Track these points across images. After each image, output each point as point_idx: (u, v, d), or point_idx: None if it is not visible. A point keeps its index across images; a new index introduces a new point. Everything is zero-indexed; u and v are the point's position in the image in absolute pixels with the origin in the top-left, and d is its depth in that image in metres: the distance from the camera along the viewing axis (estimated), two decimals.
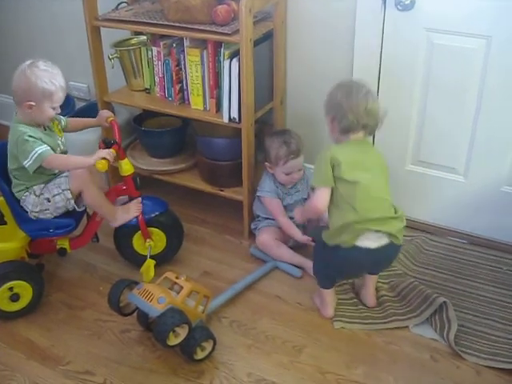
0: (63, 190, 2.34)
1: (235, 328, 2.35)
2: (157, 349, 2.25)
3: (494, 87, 2.43)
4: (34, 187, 2.34)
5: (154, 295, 2.10)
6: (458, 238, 2.76)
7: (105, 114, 2.54)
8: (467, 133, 2.55)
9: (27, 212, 2.36)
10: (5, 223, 2.45)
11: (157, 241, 2.58)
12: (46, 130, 2.33)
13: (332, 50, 2.69)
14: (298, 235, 2.59)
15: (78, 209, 2.39)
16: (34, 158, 2.20)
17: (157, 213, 2.54)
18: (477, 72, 2.43)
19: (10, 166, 2.32)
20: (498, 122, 2.48)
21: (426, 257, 2.66)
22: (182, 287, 2.17)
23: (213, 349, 2.20)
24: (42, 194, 2.34)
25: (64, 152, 2.40)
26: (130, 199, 2.50)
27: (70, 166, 2.34)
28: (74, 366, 2.21)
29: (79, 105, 3.34)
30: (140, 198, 2.50)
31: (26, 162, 2.21)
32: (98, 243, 2.58)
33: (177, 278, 2.20)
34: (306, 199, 2.69)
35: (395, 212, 2.17)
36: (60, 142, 2.39)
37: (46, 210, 2.35)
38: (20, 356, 2.25)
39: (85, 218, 2.53)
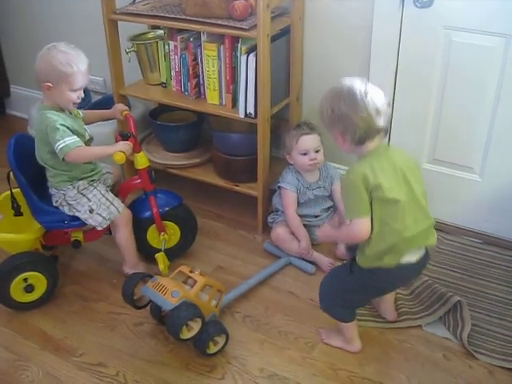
0: (108, 219, 2.38)
1: (248, 323, 2.35)
2: (169, 342, 2.26)
3: None
4: (79, 182, 2.35)
5: (168, 289, 2.10)
6: (472, 237, 2.74)
7: (120, 107, 2.55)
8: (484, 132, 2.54)
9: (48, 203, 2.37)
10: (21, 214, 2.46)
11: (171, 234, 2.59)
12: (71, 113, 2.33)
13: (349, 47, 2.68)
14: (303, 236, 2.59)
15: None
16: (60, 146, 2.19)
17: (171, 206, 2.55)
18: (495, 70, 2.41)
19: (44, 154, 2.30)
20: None
21: (441, 256, 2.64)
22: (195, 281, 2.17)
23: (225, 343, 2.21)
24: (85, 195, 2.36)
25: (91, 138, 2.40)
26: (145, 193, 2.51)
27: (90, 158, 2.36)
28: (87, 358, 2.22)
29: (95, 98, 3.35)
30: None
31: (55, 147, 2.21)
32: (111, 236, 2.57)
33: (191, 271, 2.21)
34: (328, 196, 2.69)
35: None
36: (86, 127, 2.40)
37: (78, 210, 2.37)
38: (34, 347, 2.27)
39: None
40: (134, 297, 2.25)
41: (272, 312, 2.40)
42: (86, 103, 3.17)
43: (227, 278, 2.53)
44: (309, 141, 2.57)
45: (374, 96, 1.85)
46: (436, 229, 2.68)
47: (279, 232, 2.64)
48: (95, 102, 3.22)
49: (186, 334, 2.08)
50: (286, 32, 2.65)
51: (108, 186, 2.49)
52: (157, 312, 2.29)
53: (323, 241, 2.26)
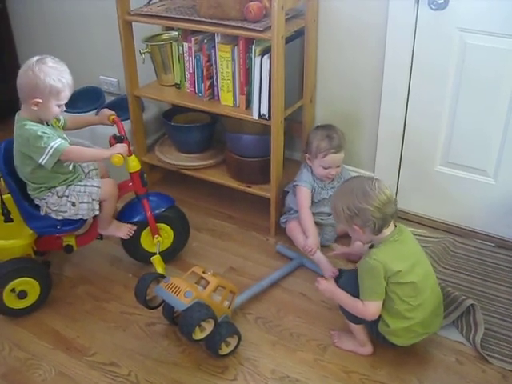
0: (93, 200, 2.35)
1: (260, 324, 2.35)
2: (182, 343, 2.26)
3: None
4: (57, 188, 2.33)
5: (181, 289, 2.10)
6: (486, 240, 2.72)
7: (106, 112, 2.52)
8: (498, 135, 2.52)
9: (39, 209, 2.35)
10: (11, 220, 2.42)
11: (164, 237, 2.58)
12: (48, 125, 2.30)
13: (363, 49, 2.68)
14: (312, 233, 2.56)
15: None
16: (50, 153, 2.18)
17: (164, 208, 2.55)
18: (510, 73, 2.40)
19: (24, 169, 2.28)
20: None
21: (453, 259, 2.63)
22: (208, 282, 2.17)
23: (237, 344, 2.21)
24: (65, 195, 2.33)
25: None
26: (137, 196, 2.51)
27: (86, 157, 2.36)
28: (100, 358, 2.22)
29: (109, 99, 3.36)
30: (134, 226, 2.50)
31: (41, 158, 2.18)
32: (102, 240, 2.59)
33: (204, 272, 2.21)
34: None
35: None
36: (65, 136, 2.36)
37: (63, 211, 2.35)
38: (46, 346, 2.28)
39: None
40: (146, 297, 2.25)
41: (284, 314, 2.40)
42: (99, 104, 3.20)
43: (239, 280, 2.53)
44: (335, 160, 2.58)
45: (382, 186, 2.02)
46: (448, 232, 2.75)
47: (294, 224, 2.64)
48: (109, 103, 3.23)
49: (199, 335, 2.09)
50: (300, 34, 2.65)
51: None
52: (169, 312, 2.29)
53: (323, 294, 2.24)
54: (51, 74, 2.17)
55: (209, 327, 2.10)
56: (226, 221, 2.96)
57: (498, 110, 2.48)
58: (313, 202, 2.65)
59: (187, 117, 3.04)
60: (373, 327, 2.12)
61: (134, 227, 2.51)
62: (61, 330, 2.34)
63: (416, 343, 2.17)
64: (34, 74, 2.16)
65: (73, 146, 2.27)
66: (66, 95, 2.23)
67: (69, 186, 2.36)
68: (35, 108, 2.20)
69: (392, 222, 2.07)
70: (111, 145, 2.38)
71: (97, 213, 2.38)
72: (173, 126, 2.99)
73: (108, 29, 3.11)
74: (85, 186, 2.36)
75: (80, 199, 2.34)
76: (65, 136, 2.36)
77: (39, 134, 2.18)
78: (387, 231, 2.05)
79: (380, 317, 2.08)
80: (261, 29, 2.44)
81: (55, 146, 2.19)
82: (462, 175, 2.68)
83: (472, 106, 2.53)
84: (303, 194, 2.62)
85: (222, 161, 2.98)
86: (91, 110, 3.11)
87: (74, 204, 2.34)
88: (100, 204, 2.38)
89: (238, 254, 2.73)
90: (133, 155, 2.43)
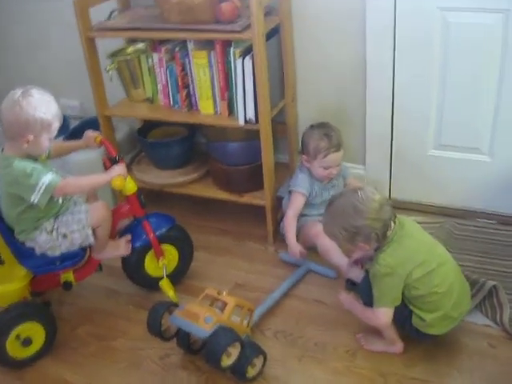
0: (84, 227, 2.18)
1: (281, 339, 2.23)
2: (203, 371, 2.11)
3: None
4: (45, 224, 2.15)
5: (199, 315, 1.97)
6: (486, 219, 2.69)
7: (91, 134, 2.35)
8: (490, 111, 2.49)
9: (33, 249, 2.18)
10: (1, 263, 2.22)
11: (169, 259, 2.43)
12: (37, 160, 2.12)
13: (342, 38, 2.59)
14: (291, 240, 2.47)
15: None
16: (41, 190, 2.00)
17: (165, 229, 2.40)
18: (496, 48, 2.36)
19: (12, 211, 2.10)
20: None
21: (458, 241, 2.58)
22: (225, 303, 2.04)
23: (263, 365, 2.07)
24: (54, 229, 2.16)
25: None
26: (136, 219, 2.35)
27: (85, 188, 2.21)
28: None
29: (73, 124, 3.15)
30: (130, 237, 2.35)
31: (33, 197, 2.01)
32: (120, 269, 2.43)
33: (218, 293, 2.07)
34: None
35: None
36: (55, 170, 2.18)
37: (58, 246, 2.18)
38: None
39: None
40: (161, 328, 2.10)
41: (303, 324, 2.28)
42: (64, 130, 2.99)
43: (248, 295, 2.38)
44: (336, 158, 2.48)
45: (369, 194, 1.94)
46: (448, 215, 2.71)
47: (318, 230, 2.36)
48: (74, 128, 3.03)
49: (226, 361, 1.95)
50: (275, 32, 2.54)
51: None
52: (185, 341, 2.14)
53: (343, 305, 2.19)
54: (40, 107, 2.00)
55: (235, 352, 1.97)
56: (219, 235, 2.82)
57: (487, 86, 2.45)
58: (315, 204, 2.55)
59: (162, 131, 2.89)
60: (405, 323, 2.04)
61: (129, 237, 2.34)
62: (69, 379, 2.15)
63: (444, 334, 2.08)
64: (22, 109, 1.97)
65: (68, 179, 2.10)
66: (56, 127, 2.07)
67: (56, 218, 2.18)
68: (25, 145, 2.01)
69: (393, 224, 1.99)
70: (106, 168, 2.21)
71: (91, 239, 2.21)
72: (150, 143, 2.84)
73: (66, 51, 2.96)
74: (72, 214, 2.19)
75: (70, 228, 2.17)
76: (55, 169, 2.17)
77: (28, 171, 2.00)
78: (390, 233, 1.98)
79: (412, 313, 2.00)
80: (239, 29, 2.31)
81: (47, 182, 2.01)
82: (456, 156, 2.65)
83: (460, 84, 2.49)
84: (298, 200, 2.51)
85: (205, 173, 2.84)
86: (57, 137, 2.90)
87: (65, 235, 2.17)
88: (94, 231, 2.22)
89: (240, 268, 2.60)
90: (128, 176, 2.26)
